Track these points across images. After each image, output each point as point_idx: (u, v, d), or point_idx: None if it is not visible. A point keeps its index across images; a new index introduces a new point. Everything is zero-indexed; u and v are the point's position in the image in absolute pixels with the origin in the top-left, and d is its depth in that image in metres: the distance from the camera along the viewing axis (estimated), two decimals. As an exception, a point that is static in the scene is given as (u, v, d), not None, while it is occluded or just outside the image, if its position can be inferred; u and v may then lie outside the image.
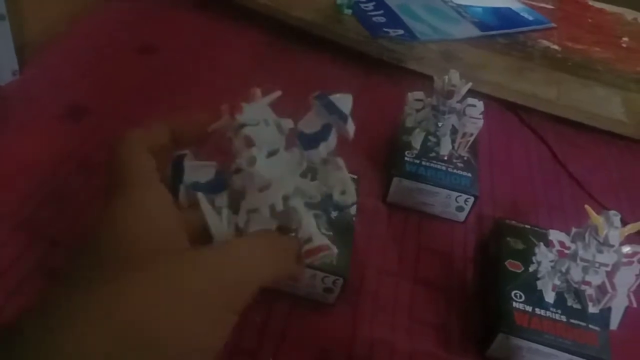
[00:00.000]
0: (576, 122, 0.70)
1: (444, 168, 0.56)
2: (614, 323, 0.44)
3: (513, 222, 0.52)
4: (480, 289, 0.50)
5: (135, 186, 0.26)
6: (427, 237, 0.55)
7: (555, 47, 0.79)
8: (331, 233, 0.46)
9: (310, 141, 0.31)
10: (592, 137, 0.70)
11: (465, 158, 0.57)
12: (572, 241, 0.43)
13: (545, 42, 0.80)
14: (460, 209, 0.55)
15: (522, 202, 0.60)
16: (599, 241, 0.41)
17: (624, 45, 0.82)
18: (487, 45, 0.77)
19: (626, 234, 0.41)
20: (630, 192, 0.64)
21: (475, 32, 0.78)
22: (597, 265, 0.42)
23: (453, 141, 0.57)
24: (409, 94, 0.55)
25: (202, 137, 0.30)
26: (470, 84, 0.53)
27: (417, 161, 0.56)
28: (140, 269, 0.23)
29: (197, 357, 0.22)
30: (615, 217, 0.41)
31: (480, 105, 0.54)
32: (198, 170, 0.31)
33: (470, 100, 0.54)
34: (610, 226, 0.41)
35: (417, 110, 0.56)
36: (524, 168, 0.64)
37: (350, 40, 0.73)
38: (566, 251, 0.43)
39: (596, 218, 0.41)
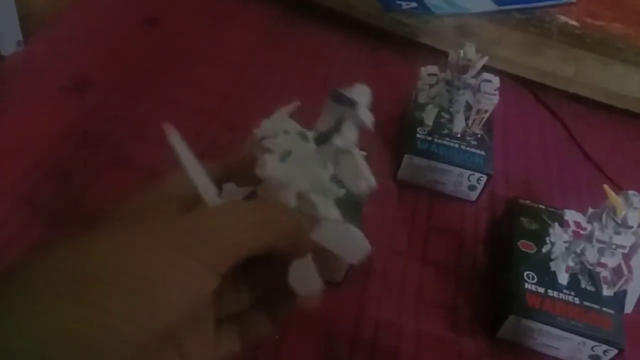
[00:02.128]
0: (594, 100, 0.68)
1: (456, 146, 0.54)
2: (629, 306, 0.43)
3: (527, 201, 0.50)
4: (492, 269, 0.49)
5: None
6: (438, 217, 0.53)
7: (574, 23, 0.76)
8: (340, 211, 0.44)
9: (325, 137, 0.31)
10: (610, 117, 0.68)
11: (479, 136, 0.55)
12: (589, 222, 0.42)
13: (564, 18, 0.77)
14: (472, 187, 0.54)
15: (537, 182, 0.59)
16: (616, 222, 0.40)
17: (646, 21, 0.79)
18: (503, 20, 0.74)
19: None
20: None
21: (491, 6, 0.76)
22: (613, 247, 0.41)
23: (467, 118, 0.55)
24: (422, 68, 0.53)
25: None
26: (486, 58, 0.51)
27: (430, 138, 0.54)
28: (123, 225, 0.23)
29: (164, 311, 0.21)
30: (635, 197, 0.39)
31: (496, 80, 0.52)
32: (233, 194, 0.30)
33: (485, 76, 0.52)
34: (629, 207, 0.39)
35: (431, 86, 0.55)
36: (539, 147, 0.63)
37: (361, 14, 0.71)
38: (582, 232, 0.42)
39: (614, 198, 0.39)
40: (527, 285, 0.43)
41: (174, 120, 0.26)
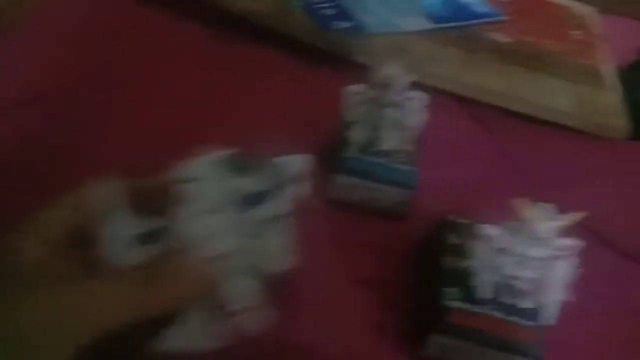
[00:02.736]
0: (525, 115, 0.69)
1: (386, 163, 0.55)
2: (550, 318, 0.43)
3: (455, 217, 0.51)
4: (419, 287, 0.49)
5: None
6: (369, 235, 0.53)
7: (507, 39, 0.79)
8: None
9: (255, 199, 0.31)
10: (543, 130, 0.69)
11: (408, 152, 0.56)
12: (507, 235, 0.42)
13: (497, 35, 0.79)
14: (402, 204, 0.54)
15: (469, 197, 0.59)
16: (532, 235, 0.41)
17: (575, 38, 0.82)
18: (438, 38, 0.76)
19: (562, 227, 0.40)
20: (579, 185, 0.64)
21: (427, 24, 0.77)
22: (530, 259, 0.41)
23: (397, 135, 0.56)
24: (348, 87, 0.54)
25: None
26: (412, 76, 0.52)
27: (358, 157, 0.55)
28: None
29: None
30: (549, 209, 0.40)
31: (423, 97, 0.53)
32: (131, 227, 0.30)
33: (412, 93, 0.53)
34: (543, 219, 0.40)
35: (358, 104, 0.55)
36: (473, 162, 0.64)
37: (298, 33, 0.71)
38: (501, 246, 0.42)
39: (529, 211, 0.40)
40: (450, 302, 0.43)
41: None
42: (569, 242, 0.41)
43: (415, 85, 0.53)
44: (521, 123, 0.69)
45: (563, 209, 0.58)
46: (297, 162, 0.33)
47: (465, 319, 0.43)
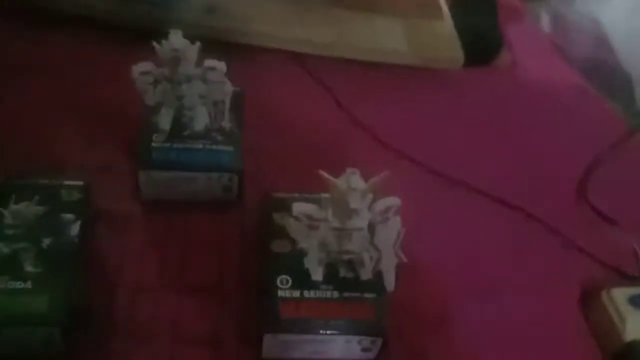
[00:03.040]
0: (360, 61, 0.65)
1: (200, 146, 0.48)
2: (389, 284, 0.39)
3: (281, 194, 0.45)
4: (255, 282, 0.44)
5: None
6: (196, 234, 0.47)
7: (333, -18, 0.73)
8: (41, 269, 0.36)
9: None
10: (379, 75, 0.65)
11: (227, 129, 0.49)
12: (322, 209, 0.38)
13: (323, -21, 0.73)
14: (227, 190, 0.48)
15: (307, 163, 0.54)
16: (347, 207, 0.36)
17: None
18: (256, -7, 0.68)
19: (370, 193, 0.36)
20: (420, 127, 0.61)
21: (243, -22, 0.70)
22: (351, 231, 0.37)
23: (206, 112, 0.49)
24: (133, 67, 0.45)
25: None
26: (198, 45, 0.44)
27: (167, 145, 0.47)
28: None
29: None
30: (353, 176, 0.35)
31: (221, 66, 0.46)
32: None
33: (207, 63, 0.46)
34: (349, 189, 0.35)
35: (152, 85, 0.47)
36: (307, 123, 0.58)
37: (101, 12, 0.61)
38: (315, 223, 0.37)
39: (332, 184, 0.35)
40: (280, 293, 0.38)
41: None
42: (387, 202, 0.37)
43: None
44: (357, 70, 0.64)
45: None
46: None
47: (299, 309, 0.38)
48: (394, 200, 0.37)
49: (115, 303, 0.41)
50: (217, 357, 0.39)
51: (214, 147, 0.47)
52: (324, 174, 0.35)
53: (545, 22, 0.79)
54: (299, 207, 0.37)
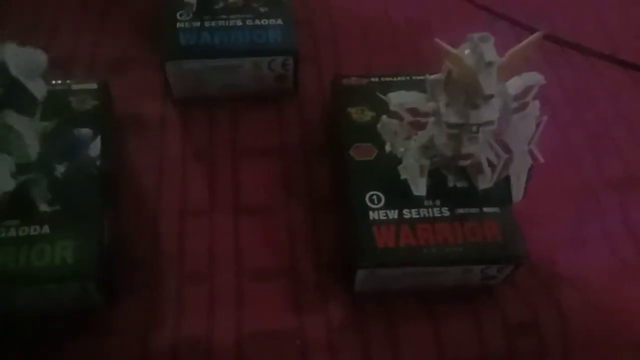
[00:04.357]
0: None
1: (239, 23, 0.36)
2: (517, 193, 0.29)
3: (356, 78, 0.34)
4: (333, 197, 0.34)
5: None
6: (247, 137, 0.36)
7: None
8: (59, 207, 0.27)
9: None
10: None
11: (269, -3, 0.37)
12: (431, 99, 0.27)
13: None
14: (280, 78, 0.37)
15: (380, 35, 0.41)
16: (471, 92, 0.25)
17: None
18: None
19: (508, 68, 0.25)
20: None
21: None
22: (474, 128, 0.26)
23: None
24: None
25: None
26: None
27: (197, 24, 0.35)
28: None
29: None
30: (485, 43, 0.23)
31: None
32: None
33: None
34: (480, 64, 0.23)
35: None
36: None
37: None
38: (422, 120, 0.26)
39: (455, 57, 0.24)
40: (372, 215, 0.29)
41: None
42: (527, 80, 0.25)
43: None
44: None
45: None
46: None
47: (399, 235, 0.28)
48: (535, 78, 0.25)
49: (159, 235, 0.32)
50: (297, 291, 0.31)
51: (257, 22, 0.36)
52: (441, 43, 0.23)
53: None
54: (398, 98, 0.26)
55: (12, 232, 0.26)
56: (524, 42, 0.24)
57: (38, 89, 0.26)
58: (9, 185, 0.26)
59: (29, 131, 0.26)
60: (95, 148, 0.29)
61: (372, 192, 0.29)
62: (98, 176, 0.29)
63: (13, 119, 0.25)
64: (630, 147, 0.38)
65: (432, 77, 0.26)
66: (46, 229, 0.26)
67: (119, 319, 0.29)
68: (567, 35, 0.42)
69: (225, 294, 0.31)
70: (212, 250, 0.32)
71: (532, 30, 0.36)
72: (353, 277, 0.29)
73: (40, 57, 0.25)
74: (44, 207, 0.27)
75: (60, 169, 0.28)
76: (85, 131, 0.29)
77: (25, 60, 0.25)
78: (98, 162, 0.29)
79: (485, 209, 0.29)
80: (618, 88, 0.41)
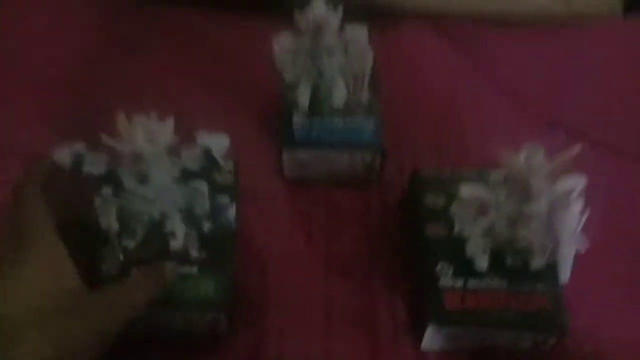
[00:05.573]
0: (502, 21, 0.58)
1: (341, 123, 0.46)
2: (565, 275, 0.36)
3: (432, 171, 0.42)
4: (405, 265, 0.41)
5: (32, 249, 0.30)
6: (338, 212, 0.45)
7: None
8: (205, 254, 0.36)
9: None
10: (522, 34, 0.58)
11: (365, 102, 0.46)
12: (495, 191, 0.34)
13: None
14: (370, 168, 0.45)
15: (450, 139, 0.50)
16: (525, 189, 0.32)
17: None
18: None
19: (558, 170, 0.32)
20: (565, 87, 0.54)
21: None
22: (527, 217, 0.33)
23: (347, 86, 0.46)
24: (275, 40, 0.44)
25: None
26: (341, 10, 0.41)
27: (308, 122, 0.46)
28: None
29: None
30: (536, 154, 0.31)
31: (364, 35, 0.43)
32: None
33: (349, 32, 0.43)
34: (531, 172, 0.31)
35: (294, 59, 0.45)
36: (448, 93, 0.53)
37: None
38: (490, 205, 0.34)
39: (511, 164, 0.31)
40: (442, 282, 0.36)
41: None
42: (570, 182, 0.32)
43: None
44: (498, 30, 0.58)
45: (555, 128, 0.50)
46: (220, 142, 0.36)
47: (465, 299, 0.35)
48: (578, 181, 0.32)
49: (267, 281, 0.41)
50: (374, 342, 0.38)
51: (354, 124, 0.45)
52: (503, 150, 0.31)
53: None
54: (468, 190, 0.34)
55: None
56: (566, 154, 0.31)
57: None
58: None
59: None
60: (231, 212, 0.38)
61: (442, 263, 0.37)
62: (233, 234, 0.38)
63: (204, 186, 0.35)
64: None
65: (495, 173, 0.34)
66: (195, 270, 0.35)
67: (238, 343, 0.37)
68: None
69: (317, 331, 0.39)
70: (308, 296, 0.40)
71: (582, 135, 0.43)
72: (421, 334, 0.36)
73: (225, 141, 0.36)
74: (194, 254, 0.36)
75: (207, 225, 0.37)
76: (225, 199, 0.38)
77: (219, 144, 0.35)
78: (233, 224, 0.38)
79: (537, 286, 0.35)
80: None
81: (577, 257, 0.35)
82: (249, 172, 0.45)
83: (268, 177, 0.46)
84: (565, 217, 0.33)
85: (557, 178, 0.32)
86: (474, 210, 0.34)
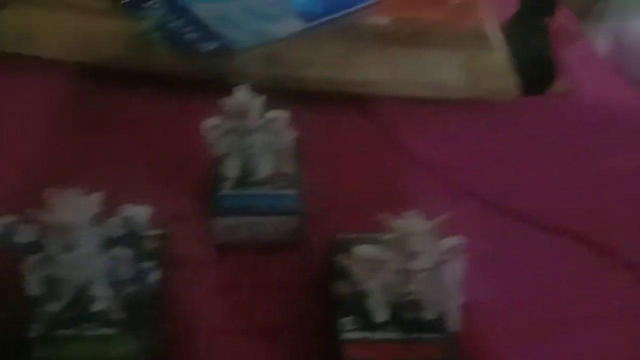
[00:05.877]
0: (417, 97, 0.66)
1: (266, 193, 0.51)
2: (454, 324, 0.40)
3: (348, 235, 0.47)
4: (323, 323, 0.45)
5: None
6: (264, 276, 0.49)
7: (386, 20, 0.75)
8: (125, 316, 0.39)
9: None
10: (437, 111, 0.66)
11: (289, 174, 0.52)
12: (388, 251, 0.39)
13: (375, 18, 0.75)
14: (292, 232, 0.50)
15: (368, 203, 0.55)
16: (410, 248, 0.37)
17: (454, 1, 0.79)
18: (312, 38, 0.71)
19: (433, 234, 0.37)
20: (480, 157, 0.61)
21: (299, 25, 0.73)
22: (416, 272, 0.38)
23: (271, 160, 0.51)
24: (203, 122, 0.49)
25: None
26: (262, 98, 0.48)
27: (235, 192, 0.50)
28: None
29: None
30: (413, 219, 0.36)
31: (283, 116, 0.49)
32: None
33: (270, 115, 0.49)
34: (411, 233, 0.36)
35: (222, 137, 0.51)
36: (368, 164, 0.59)
37: (163, 66, 0.66)
38: (379, 265, 0.38)
39: (393, 227, 0.37)
40: (345, 335, 0.40)
41: None
42: (450, 243, 0.38)
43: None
44: (415, 106, 0.65)
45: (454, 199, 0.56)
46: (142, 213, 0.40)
47: (364, 351, 0.39)
48: (456, 241, 0.37)
49: (191, 347, 0.44)
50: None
51: (278, 192, 0.50)
52: (384, 217, 0.37)
53: (602, 43, 0.77)
54: (360, 250, 0.39)
55: (93, 331, 0.38)
56: (437, 220, 0.37)
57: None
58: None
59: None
60: (155, 275, 0.42)
61: (347, 318, 0.41)
62: (156, 297, 0.41)
63: (128, 253, 0.39)
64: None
65: (386, 237, 0.39)
66: (115, 331, 0.38)
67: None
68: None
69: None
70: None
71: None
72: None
73: (147, 212, 0.40)
74: (115, 315, 0.39)
75: (130, 289, 0.40)
76: (150, 264, 0.42)
77: (141, 215, 0.39)
78: (157, 287, 0.42)
79: (430, 335, 0.40)
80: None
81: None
82: (180, 240, 0.49)
83: (199, 244, 0.51)
84: (450, 271, 0.38)
85: (437, 238, 0.38)
86: (371, 268, 0.39)
